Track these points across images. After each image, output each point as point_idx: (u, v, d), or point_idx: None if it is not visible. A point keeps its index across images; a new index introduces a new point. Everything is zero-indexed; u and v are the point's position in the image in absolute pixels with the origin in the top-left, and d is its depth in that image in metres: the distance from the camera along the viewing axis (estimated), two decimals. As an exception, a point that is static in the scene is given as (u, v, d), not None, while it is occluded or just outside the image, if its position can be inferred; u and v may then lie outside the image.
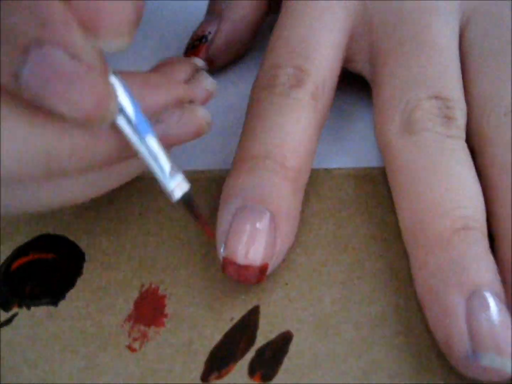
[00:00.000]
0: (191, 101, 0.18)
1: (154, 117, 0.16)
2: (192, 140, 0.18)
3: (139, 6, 0.14)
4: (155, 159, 0.16)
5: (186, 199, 0.17)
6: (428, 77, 0.22)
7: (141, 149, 0.16)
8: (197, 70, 0.20)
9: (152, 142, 0.16)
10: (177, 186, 0.16)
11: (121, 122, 0.15)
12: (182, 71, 0.19)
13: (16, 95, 0.14)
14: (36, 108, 0.14)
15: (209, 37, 0.27)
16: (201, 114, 0.18)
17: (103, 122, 0.14)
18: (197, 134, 0.18)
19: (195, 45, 0.28)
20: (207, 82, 0.20)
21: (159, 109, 0.17)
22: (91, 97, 0.13)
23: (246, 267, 0.19)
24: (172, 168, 0.16)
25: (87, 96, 0.13)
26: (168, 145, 0.17)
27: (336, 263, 0.21)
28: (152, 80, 0.17)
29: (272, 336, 0.20)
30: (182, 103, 0.17)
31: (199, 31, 0.28)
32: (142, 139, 0.15)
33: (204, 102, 0.20)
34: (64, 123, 0.14)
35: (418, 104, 0.21)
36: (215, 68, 0.28)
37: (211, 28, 0.27)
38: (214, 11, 0.28)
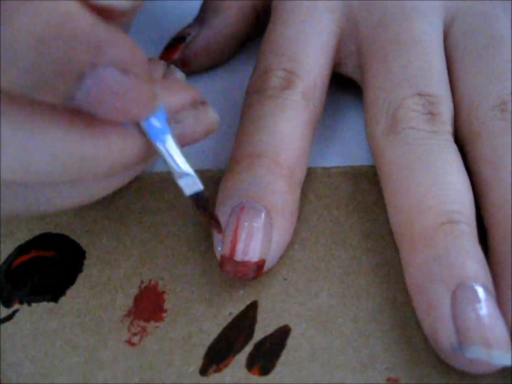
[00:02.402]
0: (202, 102, 0.18)
1: (173, 117, 0.17)
2: (202, 139, 0.18)
3: None
4: (173, 158, 0.17)
5: (197, 198, 0.18)
6: (410, 76, 0.22)
7: (162, 149, 0.16)
8: (167, 65, 0.20)
9: (171, 143, 0.16)
10: (192, 185, 0.17)
11: (145, 124, 0.16)
12: (157, 69, 0.20)
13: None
14: (74, 114, 0.14)
15: (188, 39, 0.28)
16: (212, 114, 0.18)
17: (146, 118, 0.15)
18: (208, 134, 0.18)
19: (173, 44, 0.28)
20: (178, 75, 0.20)
21: (178, 110, 0.17)
22: (140, 103, 0.14)
23: (244, 264, 0.19)
24: (186, 168, 0.17)
25: (137, 104, 0.14)
26: (183, 144, 0.17)
27: (333, 259, 0.21)
28: (170, 83, 0.18)
29: (270, 330, 0.20)
30: (196, 104, 0.18)
31: (181, 32, 0.28)
32: (162, 140, 0.16)
33: None
34: (100, 128, 0.15)
35: (401, 103, 0.21)
36: (190, 70, 0.29)
37: (192, 31, 0.28)
38: (201, 16, 0.29)
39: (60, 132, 0.14)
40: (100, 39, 0.13)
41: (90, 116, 0.14)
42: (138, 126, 0.16)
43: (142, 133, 0.16)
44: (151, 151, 0.16)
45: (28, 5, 0.11)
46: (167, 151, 0.16)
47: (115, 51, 0.13)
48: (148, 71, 0.14)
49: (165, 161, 0.17)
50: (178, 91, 0.17)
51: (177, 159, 0.17)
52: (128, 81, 0.13)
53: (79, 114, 0.14)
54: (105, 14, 0.13)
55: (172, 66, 0.20)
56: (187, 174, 0.17)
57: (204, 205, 0.18)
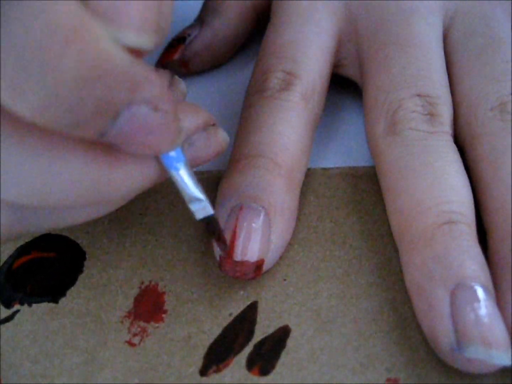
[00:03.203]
0: (213, 124, 0.18)
1: (186, 140, 0.17)
2: (212, 160, 0.19)
3: (163, 5, 0.14)
4: (186, 184, 0.17)
5: (207, 222, 0.18)
6: (409, 77, 0.22)
7: (176, 176, 0.17)
8: (172, 76, 0.20)
9: (184, 169, 0.17)
10: (203, 209, 0.18)
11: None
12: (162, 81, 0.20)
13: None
14: (94, 143, 0.14)
15: (188, 39, 0.28)
16: (222, 136, 0.19)
17: (171, 151, 0.16)
18: (218, 155, 0.18)
19: (173, 44, 0.28)
20: (182, 87, 0.20)
21: (192, 133, 0.17)
22: (167, 139, 0.15)
23: (243, 263, 0.19)
24: (199, 193, 0.17)
25: (164, 139, 0.15)
26: (194, 165, 0.18)
27: (333, 259, 0.21)
28: (183, 106, 0.18)
29: (270, 330, 0.20)
30: (208, 127, 0.18)
31: (181, 32, 0.28)
32: (177, 167, 0.16)
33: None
34: (118, 157, 0.15)
35: (401, 104, 0.21)
36: (190, 71, 0.29)
37: (193, 32, 0.28)
38: (201, 17, 0.29)
39: (79, 161, 0.14)
40: (136, 78, 0.13)
41: (110, 145, 0.14)
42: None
43: (158, 160, 0.16)
44: (164, 177, 0.17)
45: (74, 47, 0.12)
46: (181, 177, 0.17)
47: (149, 89, 0.13)
48: (175, 106, 0.15)
49: (177, 187, 0.17)
50: (191, 114, 0.17)
51: (190, 185, 0.17)
52: (159, 118, 0.14)
53: (99, 143, 0.15)
54: (130, 53, 0.13)
55: (176, 77, 0.20)
56: (199, 199, 0.17)
57: (213, 228, 0.19)
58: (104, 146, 0.15)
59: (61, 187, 0.15)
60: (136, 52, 0.13)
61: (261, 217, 0.20)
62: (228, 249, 0.19)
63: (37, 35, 0.11)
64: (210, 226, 0.18)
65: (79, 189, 0.15)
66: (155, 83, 0.14)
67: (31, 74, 0.12)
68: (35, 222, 0.17)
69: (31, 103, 0.12)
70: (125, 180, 0.15)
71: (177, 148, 0.16)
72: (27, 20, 0.11)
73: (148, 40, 0.13)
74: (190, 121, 0.17)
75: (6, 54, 0.11)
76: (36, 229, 0.17)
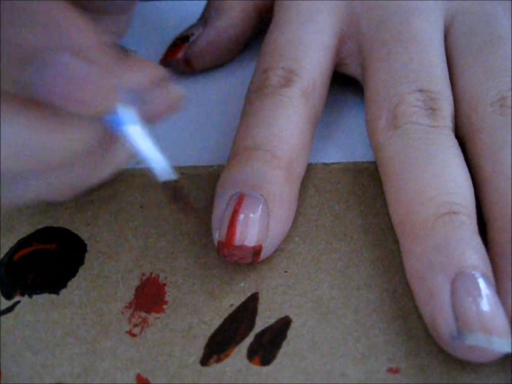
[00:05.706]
0: (163, 80, 0.17)
1: (140, 98, 0.16)
2: (170, 116, 0.17)
3: None
4: (139, 146, 0.16)
5: (172, 186, 0.17)
6: (411, 72, 0.22)
7: (126, 138, 0.16)
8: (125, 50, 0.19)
9: (136, 130, 0.16)
10: (164, 173, 0.16)
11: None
12: None
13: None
14: (32, 104, 0.14)
15: (192, 38, 0.28)
16: (175, 90, 0.17)
17: (107, 113, 0.15)
18: (172, 110, 0.17)
19: (176, 43, 0.28)
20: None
21: (144, 89, 0.16)
22: (98, 94, 0.14)
23: (240, 247, 0.19)
24: (160, 156, 0.16)
25: (94, 94, 0.13)
26: (152, 122, 0.16)
27: (334, 252, 0.21)
28: (132, 61, 0.16)
29: (271, 321, 0.20)
30: (160, 81, 0.17)
31: (184, 32, 0.29)
32: (126, 129, 0.15)
33: None
34: (59, 118, 0.14)
35: (402, 98, 0.22)
36: (193, 70, 0.29)
37: (196, 31, 0.28)
38: (205, 17, 0.29)
39: (18, 122, 0.14)
40: (59, 22, 0.12)
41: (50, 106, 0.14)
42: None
43: (105, 121, 0.15)
44: (114, 140, 0.16)
45: None
46: (133, 139, 0.16)
47: (76, 36, 0.13)
48: (111, 61, 0.14)
49: (130, 148, 0.16)
50: (140, 69, 0.16)
51: (144, 146, 0.16)
52: (85, 69, 0.13)
53: (38, 105, 0.14)
54: None
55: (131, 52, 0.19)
56: (158, 160, 0.16)
57: (178, 194, 0.17)
58: (43, 108, 0.14)
59: (7, 152, 0.14)
60: None
61: (260, 205, 0.20)
62: (191, 214, 0.19)
63: None
64: (174, 192, 0.17)
65: (16, 151, 0.14)
66: (84, 31, 0.13)
67: None
68: None
69: None
70: (66, 142, 0.15)
71: (116, 107, 0.15)
72: None
73: None
74: (140, 76, 0.16)
75: None
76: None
